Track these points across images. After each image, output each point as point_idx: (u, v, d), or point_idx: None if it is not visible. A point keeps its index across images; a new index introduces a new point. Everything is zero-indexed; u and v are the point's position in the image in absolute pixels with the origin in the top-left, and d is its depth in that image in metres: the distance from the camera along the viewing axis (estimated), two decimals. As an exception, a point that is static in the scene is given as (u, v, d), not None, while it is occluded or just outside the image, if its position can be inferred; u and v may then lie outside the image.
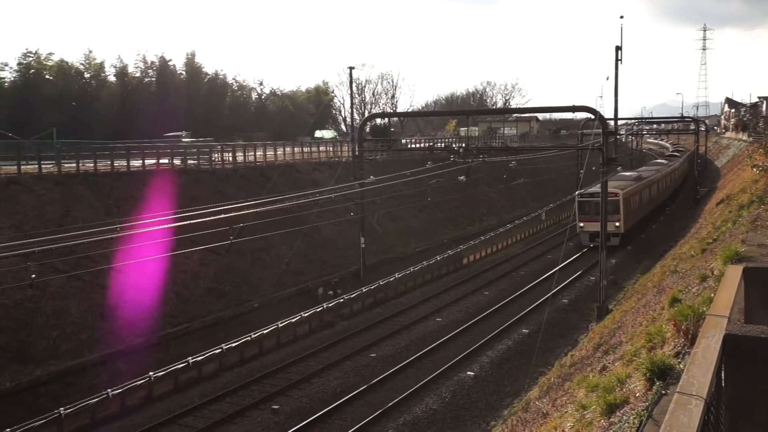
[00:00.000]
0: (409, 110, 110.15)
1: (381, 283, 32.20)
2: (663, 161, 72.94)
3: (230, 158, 40.85)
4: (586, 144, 39.28)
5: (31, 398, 20.72)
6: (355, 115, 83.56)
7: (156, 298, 26.78)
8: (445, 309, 31.68)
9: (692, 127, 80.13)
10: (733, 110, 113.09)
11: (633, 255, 40.52)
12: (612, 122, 43.72)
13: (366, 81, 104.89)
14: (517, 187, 53.13)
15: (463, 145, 47.61)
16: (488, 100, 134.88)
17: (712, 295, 8.88)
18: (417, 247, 43.15)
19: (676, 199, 64.92)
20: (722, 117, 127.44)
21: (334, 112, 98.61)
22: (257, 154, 43.58)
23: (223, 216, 20.01)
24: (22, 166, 29.65)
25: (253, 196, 27.46)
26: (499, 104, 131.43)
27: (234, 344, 23.94)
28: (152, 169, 34.79)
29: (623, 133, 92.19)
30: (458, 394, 21.30)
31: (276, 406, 20.54)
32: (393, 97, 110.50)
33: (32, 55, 57.92)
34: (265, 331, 25.29)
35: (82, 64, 62.18)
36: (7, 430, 15.88)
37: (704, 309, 8.28)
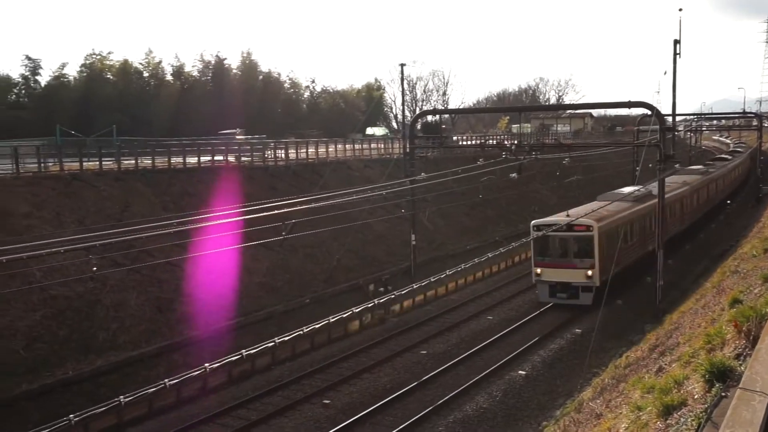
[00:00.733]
0: (461, 107, 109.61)
1: (432, 279, 32.17)
2: (712, 163, 63.77)
3: (283, 155, 41.40)
4: (642, 141, 37.71)
5: (92, 387, 21.46)
6: (406, 113, 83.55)
7: (210, 293, 27.38)
8: (496, 307, 31.45)
9: (755, 123, 77.36)
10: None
11: (690, 256, 39.32)
12: (670, 118, 42.48)
13: (417, 78, 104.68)
14: (569, 185, 52.11)
15: (515, 142, 47.08)
16: (541, 97, 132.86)
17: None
18: (468, 244, 42.91)
19: (734, 198, 62.36)
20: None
21: (385, 109, 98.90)
22: (309, 151, 44.04)
23: (275, 212, 20.27)
24: (84, 163, 30.76)
25: (304, 193, 27.81)
26: (552, 101, 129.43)
27: (286, 338, 24.26)
28: (207, 166, 35.56)
29: (681, 129, 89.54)
30: (509, 393, 21.11)
31: (327, 401, 20.73)
32: (444, 94, 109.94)
33: (96, 56, 59.96)
34: (317, 326, 25.53)
35: (141, 63, 64.02)
36: (71, 415, 16.45)
37: (767, 310, 8.02)
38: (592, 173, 59.29)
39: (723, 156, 73.60)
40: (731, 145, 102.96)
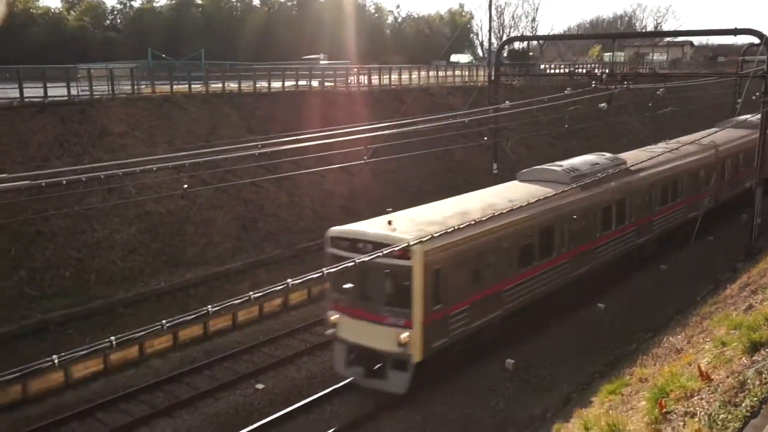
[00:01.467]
0: (551, 34, 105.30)
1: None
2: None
3: (366, 81, 41.17)
4: (747, 71, 34.98)
5: (182, 297, 22.74)
6: (493, 39, 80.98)
7: (294, 214, 28.08)
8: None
9: None
10: None
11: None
12: (780, 47, 39.24)
13: (506, 3, 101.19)
14: (662, 117, 49.62)
15: (607, 70, 44.96)
16: (637, 24, 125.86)
17: None
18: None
19: None
20: None
21: (471, 35, 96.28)
22: (392, 77, 43.59)
23: (357, 137, 20.34)
24: (174, 86, 31.65)
25: (387, 119, 27.67)
26: (650, 28, 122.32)
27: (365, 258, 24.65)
28: (291, 91, 35.87)
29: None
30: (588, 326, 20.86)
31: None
32: (533, 20, 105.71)
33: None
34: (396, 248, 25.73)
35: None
36: (164, 321, 17.43)
37: None
38: (688, 105, 56.25)
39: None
40: None
